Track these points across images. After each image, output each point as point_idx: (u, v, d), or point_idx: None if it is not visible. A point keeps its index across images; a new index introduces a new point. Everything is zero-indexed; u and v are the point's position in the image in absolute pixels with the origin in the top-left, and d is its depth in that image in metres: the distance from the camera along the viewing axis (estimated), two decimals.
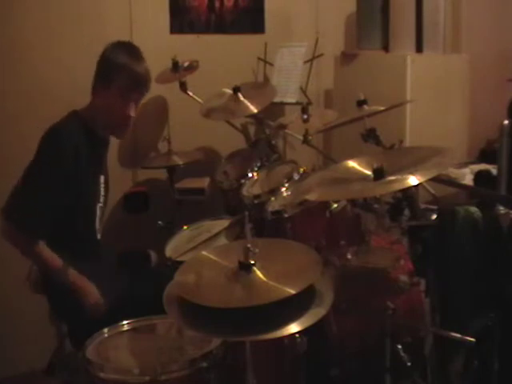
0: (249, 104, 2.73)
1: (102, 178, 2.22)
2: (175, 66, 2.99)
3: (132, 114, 2.15)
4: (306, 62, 3.25)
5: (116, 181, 2.49)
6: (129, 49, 2.18)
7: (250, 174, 2.69)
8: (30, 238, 2.02)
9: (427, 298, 2.11)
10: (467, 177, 2.98)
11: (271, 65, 3.39)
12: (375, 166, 1.64)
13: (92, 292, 2.05)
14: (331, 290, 1.49)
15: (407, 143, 2.92)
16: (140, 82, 2.15)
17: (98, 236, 2.23)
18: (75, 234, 2.13)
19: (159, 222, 2.96)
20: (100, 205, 2.21)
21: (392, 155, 1.95)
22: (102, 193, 2.22)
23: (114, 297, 2.07)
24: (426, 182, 1.83)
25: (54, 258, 2.04)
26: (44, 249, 2.03)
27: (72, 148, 2.04)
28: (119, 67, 2.11)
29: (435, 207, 2.22)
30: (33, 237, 2.02)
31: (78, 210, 2.11)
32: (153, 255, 2.48)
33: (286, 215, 2.22)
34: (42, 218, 2.02)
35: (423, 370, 2.06)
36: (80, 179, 2.06)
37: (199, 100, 2.97)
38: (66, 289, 2.06)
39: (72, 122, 2.11)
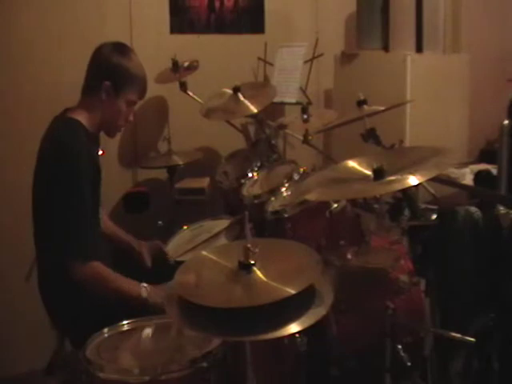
0: (249, 104, 2.73)
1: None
2: (175, 65, 2.99)
3: (132, 118, 2.20)
4: (306, 62, 3.25)
5: (116, 181, 2.49)
6: (132, 54, 2.16)
7: (250, 174, 2.69)
8: (89, 261, 1.96)
9: (427, 298, 2.11)
10: (467, 177, 2.98)
11: (271, 65, 3.39)
12: (375, 166, 1.64)
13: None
14: (331, 290, 1.49)
15: (407, 143, 2.92)
16: (145, 91, 2.19)
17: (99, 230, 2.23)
18: None
19: (159, 222, 2.96)
20: (100, 203, 2.21)
21: (392, 155, 1.95)
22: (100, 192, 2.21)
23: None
24: (425, 181, 1.83)
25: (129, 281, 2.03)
26: (103, 268, 2.00)
27: (87, 160, 2.02)
28: (134, 79, 2.11)
29: (435, 207, 2.22)
30: (91, 258, 1.97)
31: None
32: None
33: (286, 215, 2.22)
34: (91, 236, 2.00)
35: (423, 370, 2.06)
36: (93, 183, 2.07)
37: (199, 100, 2.97)
38: (66, 302, 2.07)
39: (77, 132, 2.07)
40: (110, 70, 2.11)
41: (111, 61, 2.11)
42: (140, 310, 1.92)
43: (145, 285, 2.01)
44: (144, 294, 1.99)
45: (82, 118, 2.11)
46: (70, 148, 2.00)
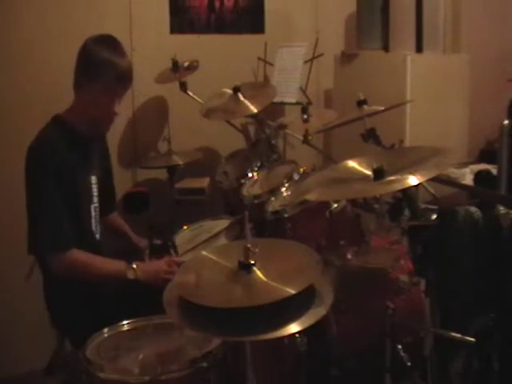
0: (249, 104, 2.72)
1: (93, 179, 2.18)
2: (175, 65, 3.00)
3: (117, 110, 2.12)
4: (306, 62, 3.25)
5: (116, 181, 2.49)
6: (111, 43, 2.11)
7: (250, 174, 2.69)
8: (64, 250, 2.00)
9: (427, 298, 2.11)
10: (467, 177, 2.98)
11: (271, 65, 3.39)
12: (375, 166, 1.64)
13: (168, 271, 2.05)
14: (331, 290, 1.49)
15: (407, 143, 2.92)
16: (125, 77, 2.10)
17: (98, 236, 2.21)
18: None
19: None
20: (94, 205, 2.18)
21: (392, 155, 1.95)
22: (95, 193, 2.19)
23: (114, 297, 2.08)
24: (425, 181, 1.83)
25: (110, 261, 2.08)
26: (82, 254, 2.04)
27: (57, 157, 2.02)
28: (104, 63, 2.05)
29: (435, 207, 2.22)
30: (66, 248, 2.01)
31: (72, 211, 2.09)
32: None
33: (286, 215, 2.22)
34: (63, 227, 2.01)
35: (423, 370, 2.06)
36: (71, 182, 2.06)
37: (199, 100, 2.97)
38: (67, 302, 2.08)
39: (52, 129, 2.08)
40: (83, 61, 2.10)
41: (84, 52, 2.10)
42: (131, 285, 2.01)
43: (133, 266, 2.04)
44: (131, 275, 2.03)
45: (69, 115, 2.11)
46: (38, 144, 2.04)
